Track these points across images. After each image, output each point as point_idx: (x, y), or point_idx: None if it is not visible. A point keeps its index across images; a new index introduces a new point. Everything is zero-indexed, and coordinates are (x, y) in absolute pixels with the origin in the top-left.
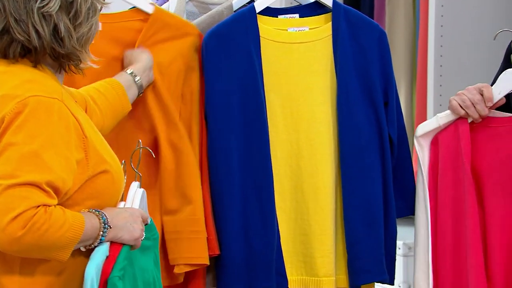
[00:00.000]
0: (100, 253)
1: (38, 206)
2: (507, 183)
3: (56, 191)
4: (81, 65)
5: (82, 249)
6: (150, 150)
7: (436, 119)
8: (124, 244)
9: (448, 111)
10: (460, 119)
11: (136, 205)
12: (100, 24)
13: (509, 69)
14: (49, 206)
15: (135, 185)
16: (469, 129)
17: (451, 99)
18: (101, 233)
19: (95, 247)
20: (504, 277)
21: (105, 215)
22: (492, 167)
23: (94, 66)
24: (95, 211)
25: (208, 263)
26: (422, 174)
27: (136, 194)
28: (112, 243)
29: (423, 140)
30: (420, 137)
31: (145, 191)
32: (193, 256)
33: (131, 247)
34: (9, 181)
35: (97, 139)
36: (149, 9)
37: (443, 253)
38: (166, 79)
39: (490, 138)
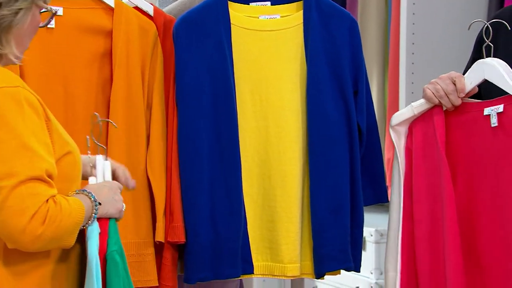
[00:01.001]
0: (96, 232)
1: (48, 200)
2: (481, 169)
3: (52, 177)
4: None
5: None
6: (112, 122)
7: (411, 108)
8: (110, 218)
9: (422, 100)
10: (435, 106)
11: (108, 177)
12: (61, 9)
13: (480, 60)
14: (54, 196)
15: (101, 158)
16: (443, 116)
17: (425, 88)
18: (94, 211)
19: (89, 226)
20: (481, 262)
21: (92, 193)
22: (466, 153)
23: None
24: (83, 191)
25: (157, 284)
26: (398, 161)
27: (105, 167)
28: (99, 219)
29: (398, 128)
30: (396, 126)
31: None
32: (138, 279)
33: (116, 219)
34: (11, 180)
35: (55, 121)
36: (111, 1)
37: (421, 238)
38: (130, 69)
39: (464, 124)
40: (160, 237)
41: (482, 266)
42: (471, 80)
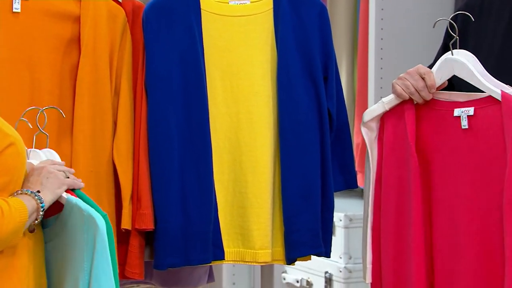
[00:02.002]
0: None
1: None
2: (450, 167)
3: None
4: None
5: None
6: (60, 110)
7: (382, 104)
8: (73, 190)
9: (392, 96)
10: (406, 101)
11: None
12: None
13: (449, 56)
14: None
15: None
16: (414, 111)
17: (394, 84)
18: (39, 203)
19: (42, 217)
20: (447, 256)
21: (29, 190)
22: (435, 150)
23: None
24: (20, 191)
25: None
26: (369, 156)
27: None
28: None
29: (370, 123)
30: (368, 122)
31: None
32: None
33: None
34: None
35: None
36: None
37: (387, 230)
38: (98, 54)
39: (434, 121)
40: (126, 224)
41: (443, 262)
42: (440, 76)
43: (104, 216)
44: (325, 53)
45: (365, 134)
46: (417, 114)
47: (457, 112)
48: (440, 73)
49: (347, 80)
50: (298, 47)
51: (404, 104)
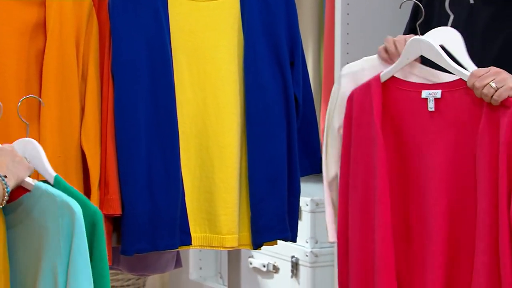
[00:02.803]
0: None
1: None
2: (416, 146)
3: None
4: None
5: None
6: (39, 99)
7: (362, 61)
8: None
9: (375, 55)
10: (373, 78)
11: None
12: None
13: (416, 37)
14: None
15: None
16: (381, 89)
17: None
18: (4, 186)
19: (6, 202)
20: (413, 234)
21: None
22: (403, 129)
23: None
24: None
25: None
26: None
27: None
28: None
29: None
30: (343, 77)
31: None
32: None
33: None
34: None
35: None
36: None
37: (354, 207)
38: (64, 39)
39: (402, 100)
40: None
41: (412, 241)
42: (407, 56)
43: (85, 200)
44: (291, 38)
45: (334, 91)
46: (385, 94)
47: (424, 94)
48: (407, 53)
49: (314, 66)
50: (265, 32)
51: (371, 81)
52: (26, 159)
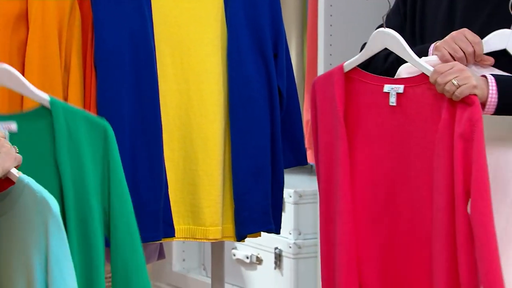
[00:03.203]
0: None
1: None
2: (376, 140)
3: None
4: None
5: None
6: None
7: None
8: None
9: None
10: (336, 68)
11: None
12: None
13: (381, 29)
14: None
15: None
16: (344, 79)
17: (440, 47)
18: None
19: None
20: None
21: None
22: (364, 122)
23: None
24: None
25: None
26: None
27: None
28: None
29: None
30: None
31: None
32: None
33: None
34: None
35: None
36: None
37: (321, 198)
38: (46, 30)
39: (363, 93)
40: None
41: (378, 231)
42: (372, 48)
43: (90, 117)
44: (275, 30)
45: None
46: (348, 86)
47: (386, 88)
48: (371, 45)
49: (297, 58)
50: (248, 24)
51: (334, 70)
52: (15, 148)
